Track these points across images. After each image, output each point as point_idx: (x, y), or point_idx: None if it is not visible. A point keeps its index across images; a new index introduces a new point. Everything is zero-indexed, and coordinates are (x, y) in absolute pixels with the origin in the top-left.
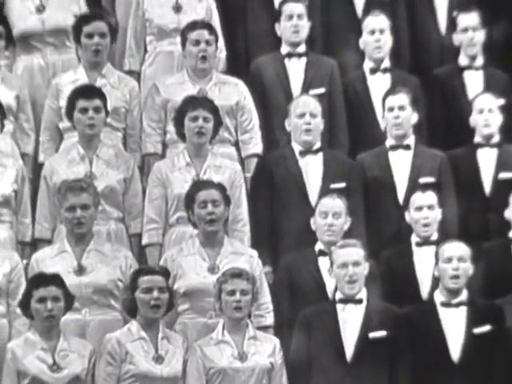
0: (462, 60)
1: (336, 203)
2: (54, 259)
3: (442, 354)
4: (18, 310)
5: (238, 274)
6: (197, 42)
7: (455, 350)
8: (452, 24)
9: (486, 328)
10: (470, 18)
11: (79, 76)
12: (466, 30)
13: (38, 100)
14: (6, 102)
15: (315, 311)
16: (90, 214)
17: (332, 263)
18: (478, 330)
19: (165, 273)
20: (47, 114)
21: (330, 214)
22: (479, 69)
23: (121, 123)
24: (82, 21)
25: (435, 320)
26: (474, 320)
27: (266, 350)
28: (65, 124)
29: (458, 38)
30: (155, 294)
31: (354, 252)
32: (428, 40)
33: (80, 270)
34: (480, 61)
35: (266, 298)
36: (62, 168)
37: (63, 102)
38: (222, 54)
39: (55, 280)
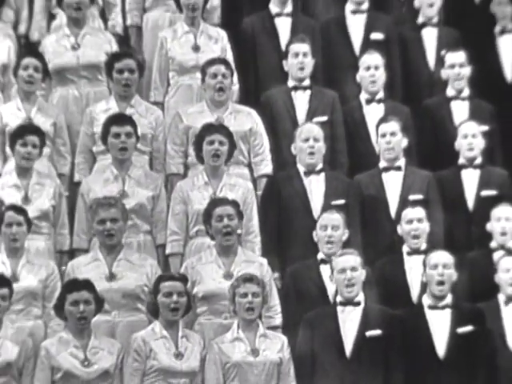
0: (450, 92)
1: (335, 217)
2: (87, 266)
3: (430, 351)
4: (53, 312)
5: (249, 278)
6: (215, 76)
7: (441, 348)
8: (440, 61)
9: (469, 328)
10: (456, 56)
11: (111, 106)
12: (453, 66)
13: (72, 126)
14: (44, 128)
15: (318, 313)
16: (119, 227)
17: (332, 270)
18: (461, 330)
19: (183, 279)
20: (82, 139)
21: (330, 227)
22: (465, 99)
23: (147, 147)
24: (113, 58)
25: (423, 321)
26: (457, 321)
27: (275, 347)
28: (98, 148)
29: (445, 73)
30: (174, 297)
31: (352, 259)
32: (418, 74)
33: (111, 277)
34: (466, 92)
35: (275, 300)
36: (98, 186)
37: (97, 129)
38: (236, 86)
39: (87, 285)
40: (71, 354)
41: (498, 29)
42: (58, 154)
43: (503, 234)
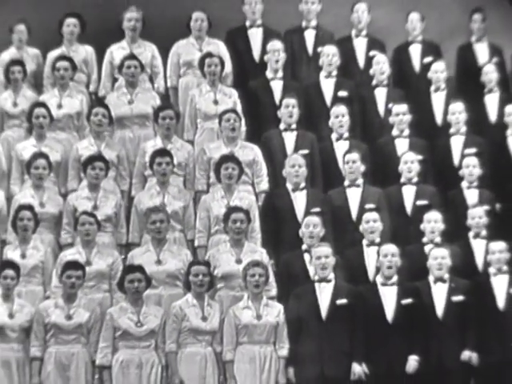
0: (395, 132)
1: (314, 219)
2: (142, 255)
3: (382, 316)
4: (116, 288)
5: (256, 263)
6: (228, 121)
7: (390, 315)
8: (388, 111)
9: (409, 301)
10: (400, 107)
11: (157, 143)
12: (397, 114)
13: (129, 157)
14: (110, 158)
15: (302, 288)
16: (165, 227)
17: (312, 257)
18: (404, 302)
19: (207, 264)
20: (137, 166)
21: (311, 226)
22: (406, 137)
23: (182, 172)
24: (158, 110)
25: (377, 294)
26: (401, 295)
27: (274, 313)
28: (148, 172)
29: (392, 119)
30: (200, 277)
31: (326, 249)
32: (372, 121)
33: (158, 262)
34: (407, 132)
35: (271, 278)
36: (146, 199)
37: (147, 159)
38: (243, 128)
39: (140, 269)
40: (128, 318)
41: (432, 88)
42: (120, 177)
43: (432, 232)
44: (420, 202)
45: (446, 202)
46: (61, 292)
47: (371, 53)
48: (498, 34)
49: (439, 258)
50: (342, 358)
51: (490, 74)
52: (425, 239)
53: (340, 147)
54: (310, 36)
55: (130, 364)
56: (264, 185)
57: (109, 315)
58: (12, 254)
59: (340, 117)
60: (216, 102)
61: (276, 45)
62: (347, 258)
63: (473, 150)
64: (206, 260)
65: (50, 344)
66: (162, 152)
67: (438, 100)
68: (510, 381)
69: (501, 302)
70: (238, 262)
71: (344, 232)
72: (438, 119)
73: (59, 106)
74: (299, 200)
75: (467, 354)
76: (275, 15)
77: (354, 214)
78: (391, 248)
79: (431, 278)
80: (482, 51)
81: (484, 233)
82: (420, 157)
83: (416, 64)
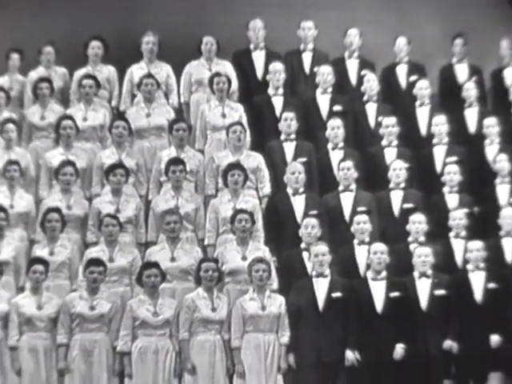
0: (384, 143)
1: (312, 221)
2: (158, 253)
3: (372, 308)
4: (135, 282)
5: (260, 260)
6: (234, 132)
7: (379, 306)
8: (379, 123)
9: (397, 294)
10: (389, 120)
11: (171, 152)
12: (387, 126)
13: (147, 165)
14: (130, 166)
15: (301, 282)
16: (178, 227)
17: (310, 255)
18: (392, 295)
19: (216, 261)
20: (154, 173)
21: (309, 227)
22: (394, 147)
23: (193, 178)
24: (172, 122)
25: (367, 288)
26: (389, 289)
27: (276, 304)
28: (163, 178)
29: (382, 131)
30: (210, 273)
31: (323, 248)
32: (364, 132)
33: (172, 259)
34: (395, 143)
35: (273, 273)
36: (161, 203)
37: (163, 166)
38: (248, 139)
39: (155, 265)
40: (146, 309)
41: (417, 103)
42: (139, 182)
43: (417, 232)
44: (406, 205)
45: (430, 205)
46: (85, 285)
47: (362, 72)
48: (476, 56)
49: (423, 255)
50: (337, 345)
51: (470, 90)
52: (410, 238)
53: (335, 156)
54: (307, 57)
55: (147, 350)
56: (267, 189)
57: (129, 306)
58: (41, 251)
59: (335, 129)
60: (224, 116)
61: (277, 66)
62: (340, 256)
63: (454, 159)
64: (214, 257)
65: (75, 332)
66: (176, 160)
67: (422, 114)
68: (486, 368)
69: (478, 296)
70: (244, 258)
71: (338, 232)
72: (423, 131)
73: (84, 119)
74: (298, 203)
75: (448, 343)
76: (276, 39)
77: (347, 215)
78: (380, 246)
79: (416, 274)
80: (461, 71)
81: (463, 233)
82: (407, 164)
83: (402, 82)
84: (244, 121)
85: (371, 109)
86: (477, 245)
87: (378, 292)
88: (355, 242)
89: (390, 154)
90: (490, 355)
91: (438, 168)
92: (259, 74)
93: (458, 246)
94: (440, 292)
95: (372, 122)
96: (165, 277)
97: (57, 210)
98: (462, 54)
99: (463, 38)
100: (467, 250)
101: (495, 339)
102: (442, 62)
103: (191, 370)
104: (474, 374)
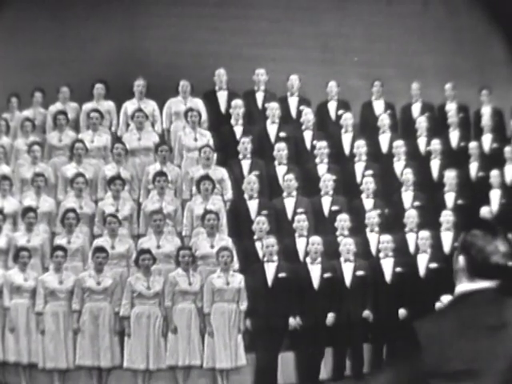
0: (317, 160)
1: (263, 219)
2: (147, 242)
3: (310, 286)
4: (133, 264)
5: (225, 248)
6: (204, 153)
7: (316, 284)
8: (313, 146)
9: (329, 274)
10: (321, 143)
11: (156, 166)
12: (319, 148)
13: (138, 176)
14: (126, 177)
15: (255, 266)
16: (163, 223)
17: (262, 245)
18: (325, 275)
19: (190, 248)
20: (144, 183)
21: (261, 223)
22: (325, 164)
23: (173, 186)
24: (157, 145)
25: (307, 270)
26: (323, 271)
27: (237, 281)
28: (150, 186)
29: (316, 152)
30: (186, 258)
31: (272, 240)
32: (302, 152)
33: (158, 247)
34: (326, 161)
35: (235, 258)
36: (150, 205)
37: (150, 177)
38: (215, 157)
39: (149, 251)
40: (141, 284)
41: (343, 130)
42: (132, 190)
43: (342, 228)
44: (334, 208)
45: (351, 207)
46: (93, 266)
47: (301, 107)
48: (390, 95)
49: (347, 245)
50: (282, 314)
51: (385, 120)
52: (337, 233)
53: (281, 170)
54: (260, 96)
55: (142, 315)
56: (229, 195)
57: (128, 282)
58: (60, 241)
59: (281, 150)
60: (196, 140)
61: (237, 102)
62: (285, 246)
63: (370, 172)
64: (189, 245)
65: (86, 301)
66: (160, 173)
67: (346, 139)
68: (392, 334)
69: (388, 278)
70: (212, 247)
71: (283, 227)
72: (347, 151)
73: (92, 142)
74: (252, 206)
75: (366, 313)
76: (236, 82)
77: (289, 215)
78: (316, 238)
79: (342, 259)
80: (378, 106)
81: (376, 229)
82: (334, 177)
83: (332, 115)
84: (211, 143)
85: (308, 135)
86: (386, 238)
87: (315, 273)
88: (296, 235)
89: (322, 169)
90: (398, 324)
91: (358, 179)
92: (223, 108)
93: (372, 238)
94: (360, 273)
95: (308, 145)
96: (155, 260)
97: (73, 210)
98: (379, 93)
99: (380, 81)
100: (379, 242)
101: (402, 312)
102: (364, 99)
103: (174, 330)
104: (385, 339)
